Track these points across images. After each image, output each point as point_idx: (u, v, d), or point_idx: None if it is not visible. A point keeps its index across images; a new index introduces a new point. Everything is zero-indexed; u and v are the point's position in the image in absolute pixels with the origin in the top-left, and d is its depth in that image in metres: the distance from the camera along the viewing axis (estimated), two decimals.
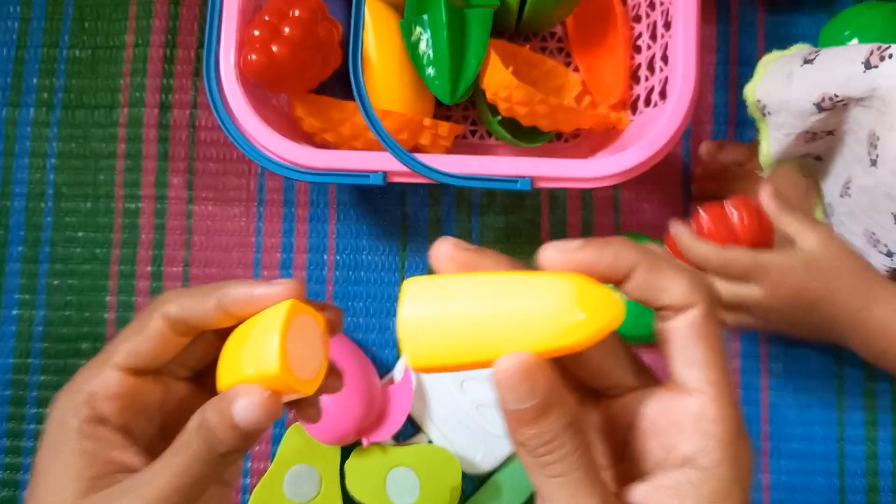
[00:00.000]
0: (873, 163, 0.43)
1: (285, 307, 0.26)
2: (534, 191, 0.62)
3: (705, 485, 0.22)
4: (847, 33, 0.60)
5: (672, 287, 0.23)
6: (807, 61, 0.46)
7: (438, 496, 0.54)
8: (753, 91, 0.49)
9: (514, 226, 0.62)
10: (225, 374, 0.27)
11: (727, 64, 0.63)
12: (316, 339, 0.27)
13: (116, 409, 0.27)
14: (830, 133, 0.46)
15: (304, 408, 0.29)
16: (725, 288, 0.46)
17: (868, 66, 0.42)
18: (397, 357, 0.59)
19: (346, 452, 0.56)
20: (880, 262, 0.47)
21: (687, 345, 0.23)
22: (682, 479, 0.22)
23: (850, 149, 0.45)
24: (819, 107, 0.44)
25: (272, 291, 0.27)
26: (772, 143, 0.49)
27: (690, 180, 0.62)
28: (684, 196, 0.62)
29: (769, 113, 0.48)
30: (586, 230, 0.62)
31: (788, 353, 0.60)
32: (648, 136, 0.48)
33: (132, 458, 0.27)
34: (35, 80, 0.63)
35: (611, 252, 0.23)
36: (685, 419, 0.23)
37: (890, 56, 0.41)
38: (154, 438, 0.28)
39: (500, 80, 0.51)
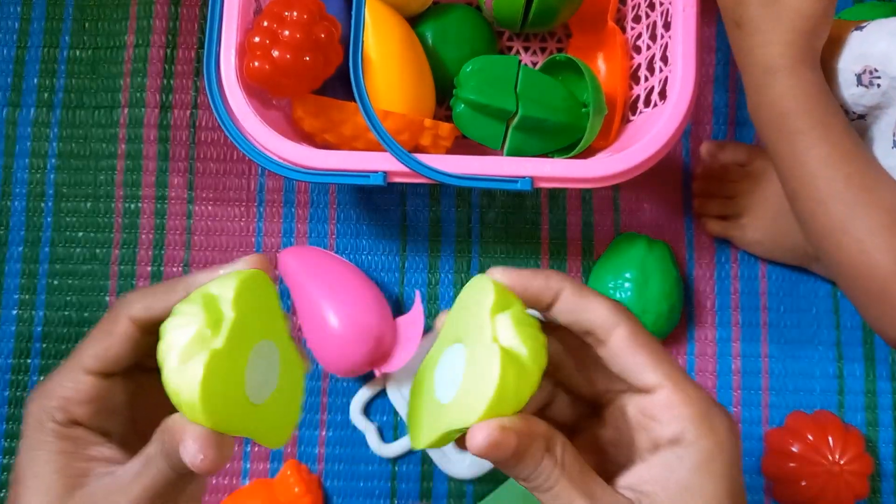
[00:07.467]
0: (895, 144, 0.43)
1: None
2: (534, 191, 0.62)
3: (688, 456, 0.25)
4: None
5: (596, 307, 0.27)
6: (858, 28, 0.45)
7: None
8: None
9: (514, 226, 0.62)
10: None
11: (727, 64, 0.63)
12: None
13: (89, 412, 0.28)
14: (861, 118, 0.44)
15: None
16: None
17: None
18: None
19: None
20: None
21: (631, 355, 0.26)
22: (670, 456, 0.26)
23: (879, 128, 0.45)
24: (859, 79, 0.43)
25: (235, 268, 0.27)
26: None
27: (691, 180, 0.62)
28: (684, 196, 0.62)
29: None
30: (586, 230, 0.62)
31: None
32: (648, 136, 0.48)
33: (110, 451, 0.28)
34: (35, 80, 0.63)
35: (542, 277, 0.27)
36: (659, 412, 0.26)
37: None
38: (127, 432, 0.29)
39: None
